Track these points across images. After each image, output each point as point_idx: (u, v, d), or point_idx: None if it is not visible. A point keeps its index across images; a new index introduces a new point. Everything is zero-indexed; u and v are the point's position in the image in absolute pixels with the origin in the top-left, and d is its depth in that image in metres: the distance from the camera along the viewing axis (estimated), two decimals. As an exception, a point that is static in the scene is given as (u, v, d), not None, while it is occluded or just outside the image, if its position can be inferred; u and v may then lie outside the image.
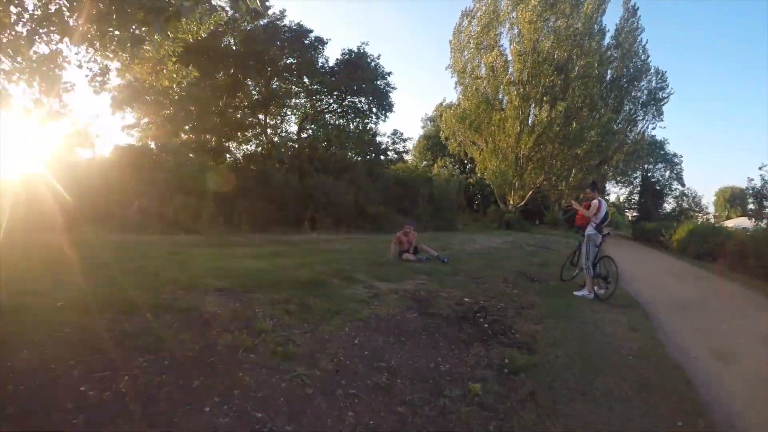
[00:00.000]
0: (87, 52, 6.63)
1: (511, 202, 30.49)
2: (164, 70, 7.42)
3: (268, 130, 22.48)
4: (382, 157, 23.45)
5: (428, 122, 46.55)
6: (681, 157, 51.44)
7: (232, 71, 21.45)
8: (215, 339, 3.64)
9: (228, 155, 21.41)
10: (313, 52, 22.66)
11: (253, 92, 22.48)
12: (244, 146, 22.71)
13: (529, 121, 27.76)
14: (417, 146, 42.68)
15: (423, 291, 6.26)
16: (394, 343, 4.28)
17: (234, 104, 21.80)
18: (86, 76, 7.07)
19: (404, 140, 24.32)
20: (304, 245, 11.77)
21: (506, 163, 28.10)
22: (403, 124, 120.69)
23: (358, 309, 5.04)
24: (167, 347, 3.32)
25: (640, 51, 33.68)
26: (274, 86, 21.87)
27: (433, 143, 41.56)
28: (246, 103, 22.02)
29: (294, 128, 22.61)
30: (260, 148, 21.59)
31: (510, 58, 28.79)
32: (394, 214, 18.55)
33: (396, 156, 24.29)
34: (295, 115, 23.64)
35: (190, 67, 7.76)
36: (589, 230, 8.10)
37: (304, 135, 20.35)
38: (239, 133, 21.87)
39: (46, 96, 6.06)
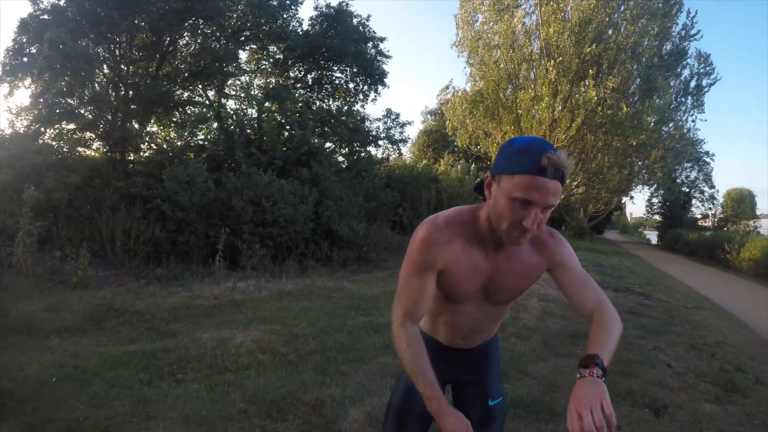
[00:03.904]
0: None
1: (537, 209, 23.94)
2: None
3: (229, 121, 15.84)
4: (372, 150, 16.90)
5: (428, 116, 40.12)
6: (713, 155, 44.82)
7: (157, 28, 14.78)
8: None
9: (147, 145, 14.72)
10: (282, 14, 16.29)
11: (184, 58, 15.97)
12: (188, 133, 16.09)
13: (565, 103, 21.10)
14: (416, 143, 36.72)
15: None
16: None
17: (156, 73, 15.17)
18: None
19: (402, 125, 17.71)
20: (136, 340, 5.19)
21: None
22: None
23: None
24: None
25: (689, 24, 27.06)
26: (218, 50, 15.16)
27: (434, 139, 35.74)
28: (171, 71, 15.48)
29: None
30: (209, 136, 14.81)
31: (528, 26, 22.52)
32: (386, 232, 11.96)
33: (391, 147, 17.74)
34: (256, 95, 17.19)
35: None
36: None
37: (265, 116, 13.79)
38: (161, 112, 15.23)
39: None
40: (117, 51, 14.78)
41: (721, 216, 47.44)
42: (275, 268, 8.73)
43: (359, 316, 6.11)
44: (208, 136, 12.15)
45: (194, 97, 16.56)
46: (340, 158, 14.90)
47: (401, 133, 18.10)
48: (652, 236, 55.26)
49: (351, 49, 15.46)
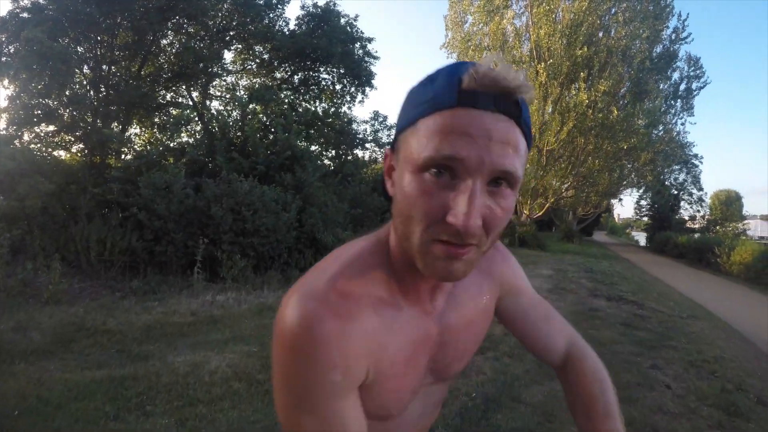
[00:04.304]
0: None
1: (526, 212, 23.73)
2: None
3: (213, 123, 15.44)
4: (359, 153, 16.60)
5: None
6: (701, 158, 44.88)
7: (139, 27, 14.40)
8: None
9: (129, 148, 14.28)
10: (268, 13, 15.99)
11: (168, 57, 15.60)
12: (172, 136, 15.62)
13: (555, 106, 20.91)
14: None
15: None
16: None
17: (138, 74, 14.79)
18: None
19: (389, 127, 17.44)
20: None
21: (528, 161, 20.92)
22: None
23: None
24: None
25: (680, 27, 26.99)
26: (202, 49, 14.79)
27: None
28: (153, 71, 15.12)
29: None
30: (191, 139, 14.40)
31: (518, 28, 22.39)
32: (372, 240, 11.63)
33: (379, 150, 17.42)
34: (240, 97, 16.85)
35: None
36: None
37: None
38: (142, 114, 14.83)
39: None
40: (98, 50, 14.41)
41: (709, 218, 47.59)
42: (257, 279, 8.37)
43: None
44: (190, 140, 11.79)
45: (177, 99, 16.19)
46: (326, 161, 14.61)
47: (389, 135, 17.84)
48: (640, 237, 55.53)
49: (338, 50, 15.14)
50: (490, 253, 0.99)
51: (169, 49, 15.81)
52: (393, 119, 26.68)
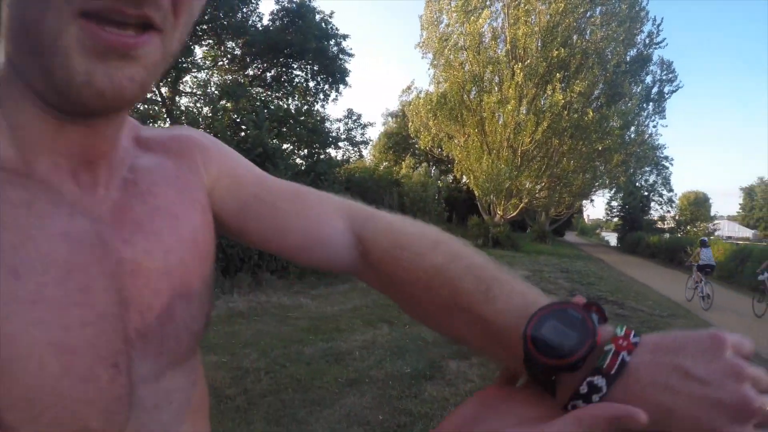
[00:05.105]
0: None
1: (500, 213, 23.59)
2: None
3: (182, 119, 15.02)
4: (332, 151, 16.25)
5: (389, 117, 39.54)
6: (672, 160, 45.57)
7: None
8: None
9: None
10: (242, 7, 15.59)
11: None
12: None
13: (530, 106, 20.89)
14: (377, 145, 36.05)
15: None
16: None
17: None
18: None
19: (363, 126, 17.19)
20: None
21: (503, 161, 20.95)
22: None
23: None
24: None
25: (654, 32, 27.22)
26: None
27: (395, 141, 35.07)
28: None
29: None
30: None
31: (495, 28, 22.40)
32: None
33: (352, 149, 17.18)
34: (211, 93, 16.47)
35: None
36: None
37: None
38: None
39: None
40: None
41: (679, 218, 48.48)
42: (226, 282, 7.99)
43: (318, 341, 5.45)
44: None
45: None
46: (299, 160, 14.31)
47: (363, 134, 17.58)
48: (610, 238, 56.28)
49: (312, 46, 14.79)
50: (180, 132, 0.63)
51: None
52: (367, 118, 26.52)
